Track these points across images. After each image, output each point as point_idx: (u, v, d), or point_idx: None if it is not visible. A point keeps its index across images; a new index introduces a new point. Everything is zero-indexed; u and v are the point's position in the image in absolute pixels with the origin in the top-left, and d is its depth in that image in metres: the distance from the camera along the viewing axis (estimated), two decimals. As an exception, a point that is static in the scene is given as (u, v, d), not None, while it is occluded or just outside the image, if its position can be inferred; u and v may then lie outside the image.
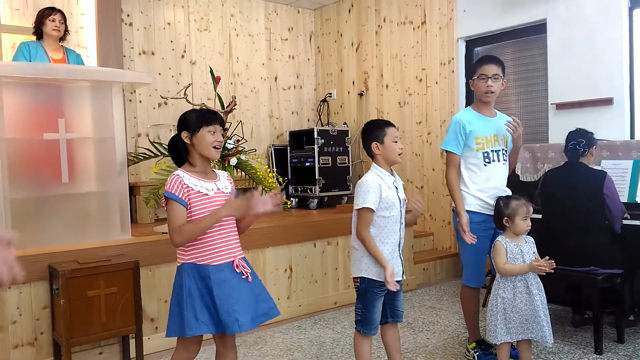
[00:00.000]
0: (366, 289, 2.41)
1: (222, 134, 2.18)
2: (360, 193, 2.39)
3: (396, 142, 2.44)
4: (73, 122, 3.25)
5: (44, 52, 3.86)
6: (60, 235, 3.16)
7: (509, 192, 2.93)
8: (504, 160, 2.93)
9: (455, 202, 2.89)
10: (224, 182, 2.23)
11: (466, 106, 4.95)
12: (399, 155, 2.44)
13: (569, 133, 3.23)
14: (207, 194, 2.12)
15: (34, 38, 3.96)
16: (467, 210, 2.87)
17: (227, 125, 4.28)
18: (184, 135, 2.15)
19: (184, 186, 2.08)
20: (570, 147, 3.17)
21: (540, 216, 3.35)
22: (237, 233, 2.23)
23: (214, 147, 2.14)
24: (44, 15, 3.89)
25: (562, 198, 3.15)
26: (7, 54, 4.45)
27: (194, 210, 2.10)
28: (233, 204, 2.11)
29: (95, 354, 3.06)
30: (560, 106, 4.27)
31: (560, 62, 4.29)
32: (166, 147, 3.93)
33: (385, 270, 2.32)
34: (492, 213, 2.82)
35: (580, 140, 3.14)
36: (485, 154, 2.88)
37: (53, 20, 3.87)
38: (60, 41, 3.99)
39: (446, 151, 2.93)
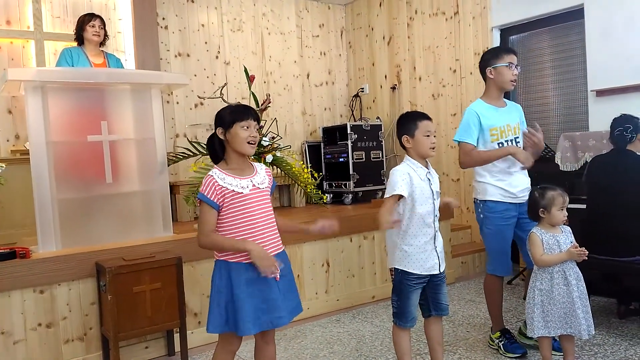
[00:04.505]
0: (400, 280, 2.41)
1: (257, 130, 2.17)
2: (390, 182, 2.39)
3: (428, 136, 2.39)
4: (115, 124, 3.35)
5: (86, 57, 3.99)
6: (105, 233, 3.27)
7: (527, 176, 2.96)
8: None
9: (493, 155, 2.87)
10: (261, 176, 2.22)
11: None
12: (431, 149, 2.40)
13: (613, 120, 3.15)
14: (241, 192, 2.11)
15: (75, 44, 4.10)
16: (489, 200, 2.91)
17: (262, 123, 4.34)
18: (219, 131, 2.15)
19: (217, 187, 2.09)
20: (617, 133, 3.09)
21: (583, 205, 3.28)
22: (275, 230, 2.21)
23: (248, 143, 2.13)
24: (84, 21, 4.02)
25: (609, 186, 3.07)
26: (49, 60, 4.61)
27: (229, 208, 2.11)
28: (260, 258, 2.04)
29: (141, 348, 3.16)
30: (601, 93, 4.15)
31: (600, 48, 4.17)
32: (204, 146, 4.03)
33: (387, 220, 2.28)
34: (514, 201, 2.89)
35: (627, 126, 3.06)
36: (500, 144, 2.91)
37: (93, 26, 4.00)
38: (100, 46, 4.11)
39: (460, 142, 2.93)
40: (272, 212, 2.23)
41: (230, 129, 2.13)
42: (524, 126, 3.04)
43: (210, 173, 2.14)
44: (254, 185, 2.16)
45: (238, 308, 2.07)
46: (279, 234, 2.24)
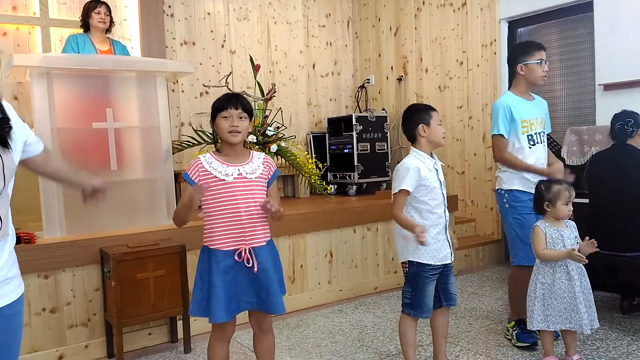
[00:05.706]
0: (416, 272, 2.41)
1: (241, 117, 2.14)
2: (398, 176, 2.40)
3: (440, 125, 2.47)
4: (120, 111, 3.35)
5: (91, 44, 3.98)
6: (110, 220, 3.28)
7: None
8: (544, 141, 3.01)
9: (526, 168, 2.91)
10: (254, 165, 2.18)
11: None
12: (443, 138, 2.48)
13: (614, 115, 3.14)
14: (224, 180, 2.11)
15: (81, 31, 4.09)
16: (515, 190, 2.92)
17: (267, 113, 4.33)
18: (210, 122, 2.22)
19: (200, 170, 2.12)
20: (618, 127, 3.08)
21: (587, 200, 3.27)
22: (262, 221, 2.16)
23: (229, 132, 2.12)
24: (89, 8, 4.01)
25: (610, 181, 3.06)
26: (55, 47, 4.60)
27: (211, 194, 2.10)
28: (190, 195, 2.03)
29: (144, 335, 3.18)
30: (608, 87, 4.12)
31: (608, 41, 4.13)
32: (209, 135, 4.03)
33: (414, 229, 2.27)
34: None
35: (628, 120, 3.04)
36: (530, 137, 2.94)
37: (99, 13, 3.99)
38: (106, 33, 4.10)
39: (494, 136, 2.95)
40: (260, 205, 2.15)
41: (215, 120, 2.17)
42: (547, 120, 3.10)
43: (200, 156, 2.18)
44: (240, 173, 2.14)
45: (212, 294, 2.09)
46: (267, 226, 2.20)
